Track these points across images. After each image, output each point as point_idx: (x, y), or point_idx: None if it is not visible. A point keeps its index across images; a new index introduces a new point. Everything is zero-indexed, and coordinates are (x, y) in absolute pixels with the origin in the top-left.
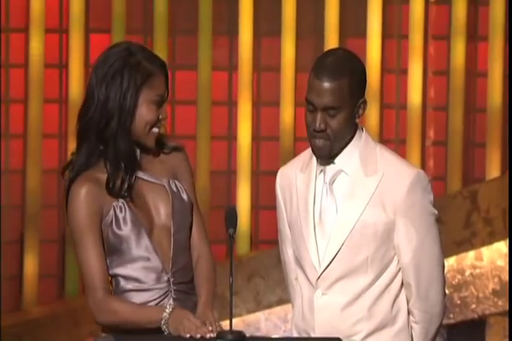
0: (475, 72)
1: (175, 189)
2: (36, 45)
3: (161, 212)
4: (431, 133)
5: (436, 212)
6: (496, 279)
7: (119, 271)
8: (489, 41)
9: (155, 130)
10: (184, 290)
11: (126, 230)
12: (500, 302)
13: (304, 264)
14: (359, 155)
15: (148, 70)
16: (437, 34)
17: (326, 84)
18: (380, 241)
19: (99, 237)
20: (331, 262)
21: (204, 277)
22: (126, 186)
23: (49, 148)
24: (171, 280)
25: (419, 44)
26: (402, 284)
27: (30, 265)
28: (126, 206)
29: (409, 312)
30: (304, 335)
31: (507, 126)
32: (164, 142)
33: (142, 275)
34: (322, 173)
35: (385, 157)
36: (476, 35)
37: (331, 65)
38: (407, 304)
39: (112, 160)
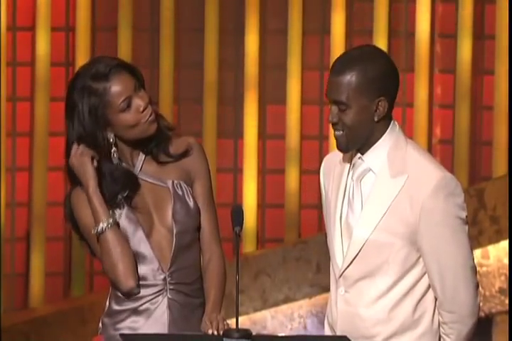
0: (482, 71)
1: (180, 192)
2: (43, 44)
3: (163, 213)
4: (437, 132)
5: (464, 215)
6: (503, 277)
7: None
8: (496, 39)
9: (150, 120)
10: (183, 291)
11: (122, 224)
12: (506, 301)
13: (331, 258)
14: (387, 154)
15: (100, 89)
16: (444, 32)
17: (334, 78)
18: (401, 243)
19: None
20: (352, 261)
21: (214, 279)
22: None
23: (55, 146)
24: (168, 279)
25: (426, 42)
26: (428, 285)
27: (37, 263)
28: (124, 204)
29: (438, 313)
30: (331, 330)
31: None
32: (170, 146)
33: (138, 270)
34: (352, 170)
35: (413, 158)
36: (482, 33)
37: (344, 60)
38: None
39: (106, 193)
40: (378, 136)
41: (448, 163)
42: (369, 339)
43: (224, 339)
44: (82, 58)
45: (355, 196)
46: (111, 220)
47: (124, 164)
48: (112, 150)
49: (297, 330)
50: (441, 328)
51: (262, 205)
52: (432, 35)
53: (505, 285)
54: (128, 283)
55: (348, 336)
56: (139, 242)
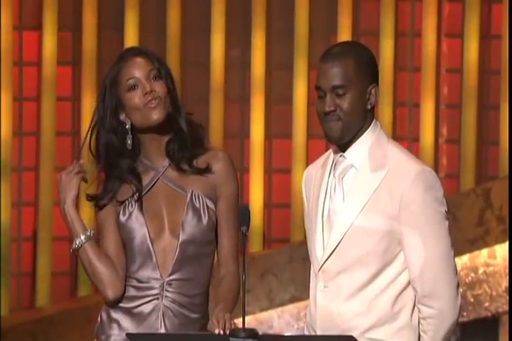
0: (488, 70)
1: (196, 203)
2: (49, 44)
3: (175, 220)
4: (444, 131)
5: (443, 209)
6: (509, 277)
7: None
8: (502, 39)
9: (149, 105)
10: (180, 301)
11: (130, 222)
12: None
13: (311, 256)
14: (368, 150)
15: (118, 66)
16: (451, 32)
17: (331, 64)
18: (381, 236)
19: (116, 228)
20: (331, 254)
21: (226, 292)
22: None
23: (62, 145)
24: (165, 287)
25: (433, 42)
26: (409, 280)
27: (43, 262)
28: (137, 204)
29: (417, 308)
30: (311, 330)
31: None
32: (197, 156)
33: (138, 271)
34: (334, 168)
35: (393, 153)
36: (489, 33)
37: (335, 50)
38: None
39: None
40: (363, 130)
41: (455, 163)
42: (347, 332)
43: (230, 338)
44: (88, 58)
45: (336, 192)
46: (86, 234)
47: (148, 163)
48: (127, 137)
49: (303, 330)
50: (420, 324)
51: (268, 205)
52: (438, 35)
53: None
54: (107, 294)
55: (328, 333)
56: (142, 244)
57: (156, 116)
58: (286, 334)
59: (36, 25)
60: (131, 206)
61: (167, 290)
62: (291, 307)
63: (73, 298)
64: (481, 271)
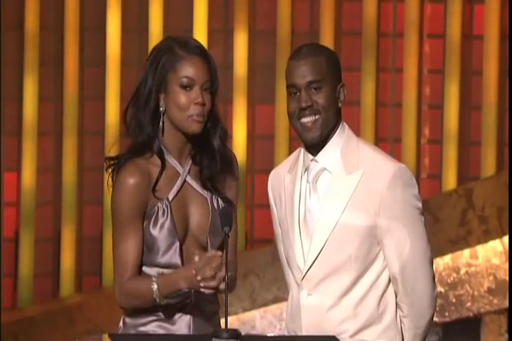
0: (470, 71)
1: (216, 206)
2: (32, 43)
3: (198, 223)
4: (426, 132)
5: (420, 205)
6: (491, 277)
7: (146, 269)
8: (484, 40)
9: (195, 118)
10: (205, 296)
11: (162, 235)
12: (495, 301)
13: (291, 265)
14: (340, 152)
15: (179, 54)
16: (433, 32)
17: (304, 61)
18: (362, 239)
19: (140, 229)
20: (314, 262)
21: None
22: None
23: (44, 146)
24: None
25: (415, 42)
26: (389, 279)
27: (25, 263)
28: (168, 211)
29: (397, 307)
30: (293, 334)
31: (503, 124)
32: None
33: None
34: (306, 172)
35: (366, 153)
36: (471, 33)
37: (305, 49)
38: (396, 298)
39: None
40: (333, 131)
41: (437, 163)
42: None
43: (213, 339)
44: (70, 58)
45: (312, 197)
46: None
47: (168, 153)
48: (160, 121)
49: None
50: (401, 323)
51: (250, 205)
52: (420, 35)
53: (494, 285)
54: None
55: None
56: (171, 256)
57: (194, 127)
58: (268, 334)
59: (18, 25)
60: (163, 215)
61: (195, 291)
62: (274, 308)
63: (55, 298)
64: (463, 271)
